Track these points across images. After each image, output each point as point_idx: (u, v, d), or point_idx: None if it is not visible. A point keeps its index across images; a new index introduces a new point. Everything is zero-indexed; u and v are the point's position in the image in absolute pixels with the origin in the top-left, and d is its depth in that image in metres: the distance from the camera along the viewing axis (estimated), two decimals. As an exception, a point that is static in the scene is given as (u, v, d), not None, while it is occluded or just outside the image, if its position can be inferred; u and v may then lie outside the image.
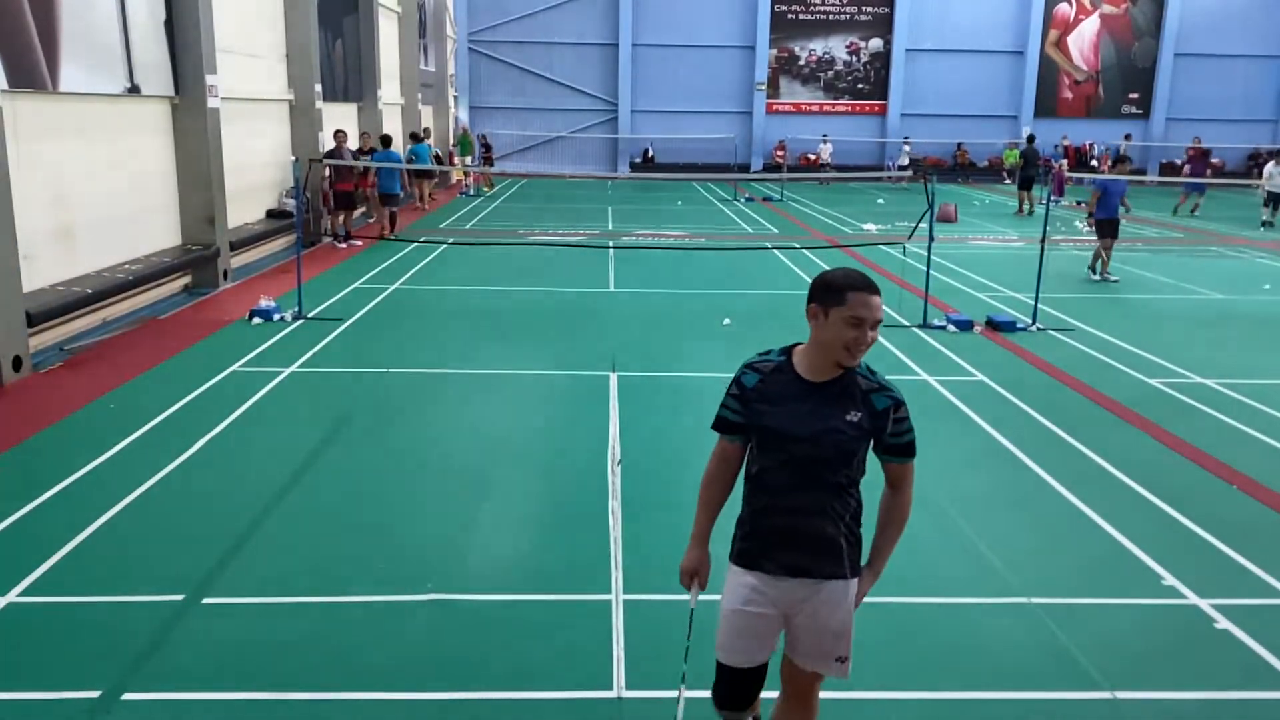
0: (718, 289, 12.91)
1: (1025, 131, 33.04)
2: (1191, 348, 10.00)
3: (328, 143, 17.37)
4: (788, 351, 2.98)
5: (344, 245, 16.35)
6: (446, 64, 33.23)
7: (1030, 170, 23.59)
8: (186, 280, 12.49)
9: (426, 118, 28.61)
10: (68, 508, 5.65)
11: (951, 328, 10.65)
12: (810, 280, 3.14)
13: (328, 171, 16.83)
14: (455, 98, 34.89)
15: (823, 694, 4.02)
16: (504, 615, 4.57)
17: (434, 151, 24.83)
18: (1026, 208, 23.53)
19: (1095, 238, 14.34)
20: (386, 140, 19.39)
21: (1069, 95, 36.65)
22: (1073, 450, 6.91)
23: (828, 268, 15.78)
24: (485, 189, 27.93)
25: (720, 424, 3.01)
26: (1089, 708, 3.97)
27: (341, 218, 16.98)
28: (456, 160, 28.14)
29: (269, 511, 5.70)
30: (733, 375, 3.00)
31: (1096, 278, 14.17)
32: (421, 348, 9.76)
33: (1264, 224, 21.59)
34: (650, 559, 5.15)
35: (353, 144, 18.92)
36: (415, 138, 22.39)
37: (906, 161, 32.73)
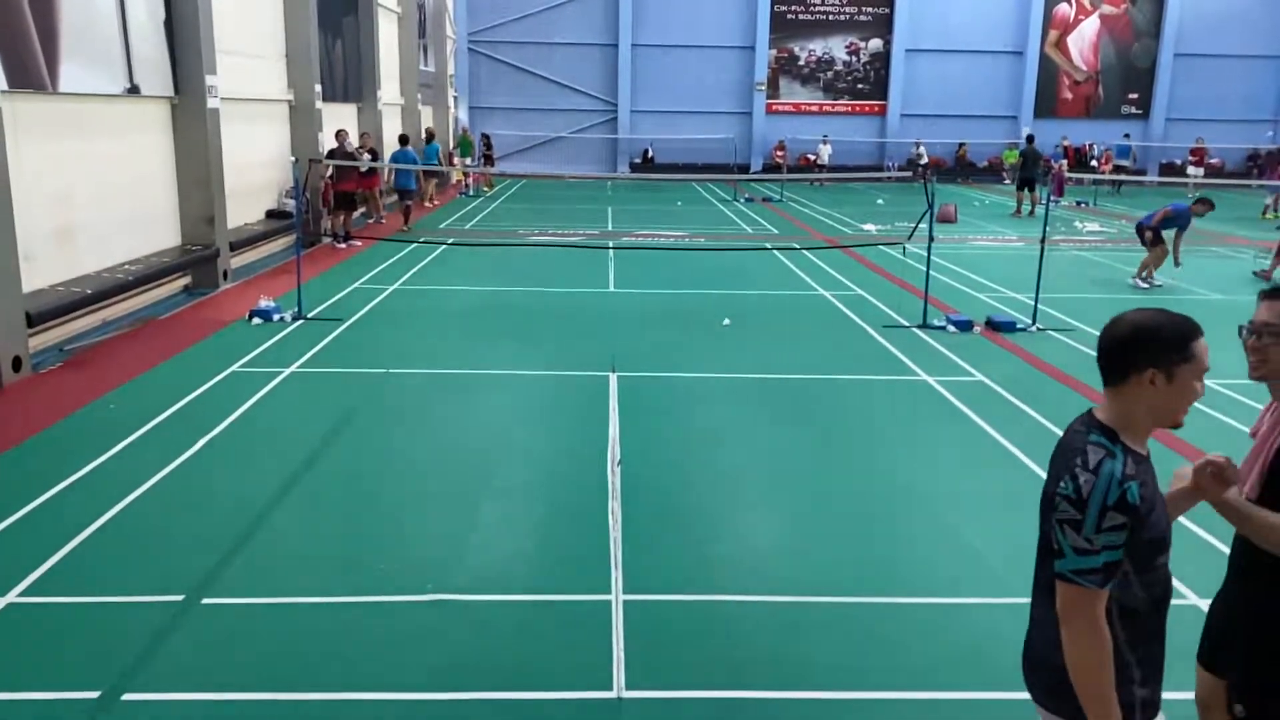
0: (717, 289, 12.92)
1: (1025, 132, 33.07)
2: (1191, 348, 9.99)
3: (328, 143, 17.40)
4: (1106, 430, 2.36)
5: (344, 245, 16.36)
6: (446, 64, 33.23)
7: (1030, 171, 23.53)
8: (186, 281, 12.49)
9: (426, 118, 28.61)
10: (67, 508, 5.65)
11: (951, 328, 10.65)
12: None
13: (329, 171, 16.87)
14: (455, 98, 34.89)
15: (821, 694, 4.03)
16: (504, 615, 4.57)
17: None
18: (1027, 208, 23.49)
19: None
20: (404, 139, 20.59)
21: (1069, 95, 36.65)
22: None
23: (829, 267, 15.76)
24: (485, 189, 27.95)
25: (1110, 573, 2.23)
26: (1089, 708, 3.96)
27: (341, 218, 17.00)
28: (456, 161, 28.14)
29: (269, 512, 5.70)
30: (1085, 493, 2.21)
31: (1144, 285, 13.74)
32: (421, 348, 9.76)
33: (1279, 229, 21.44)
34: (650, 559, 5.15)
35: (351, 144, 19.00)
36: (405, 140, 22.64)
37: (926, 160, 32.57)
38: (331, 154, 16.79)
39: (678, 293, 12.72)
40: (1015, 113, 36.29)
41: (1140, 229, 13.88)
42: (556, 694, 3.97)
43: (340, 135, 17.11)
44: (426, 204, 23.48)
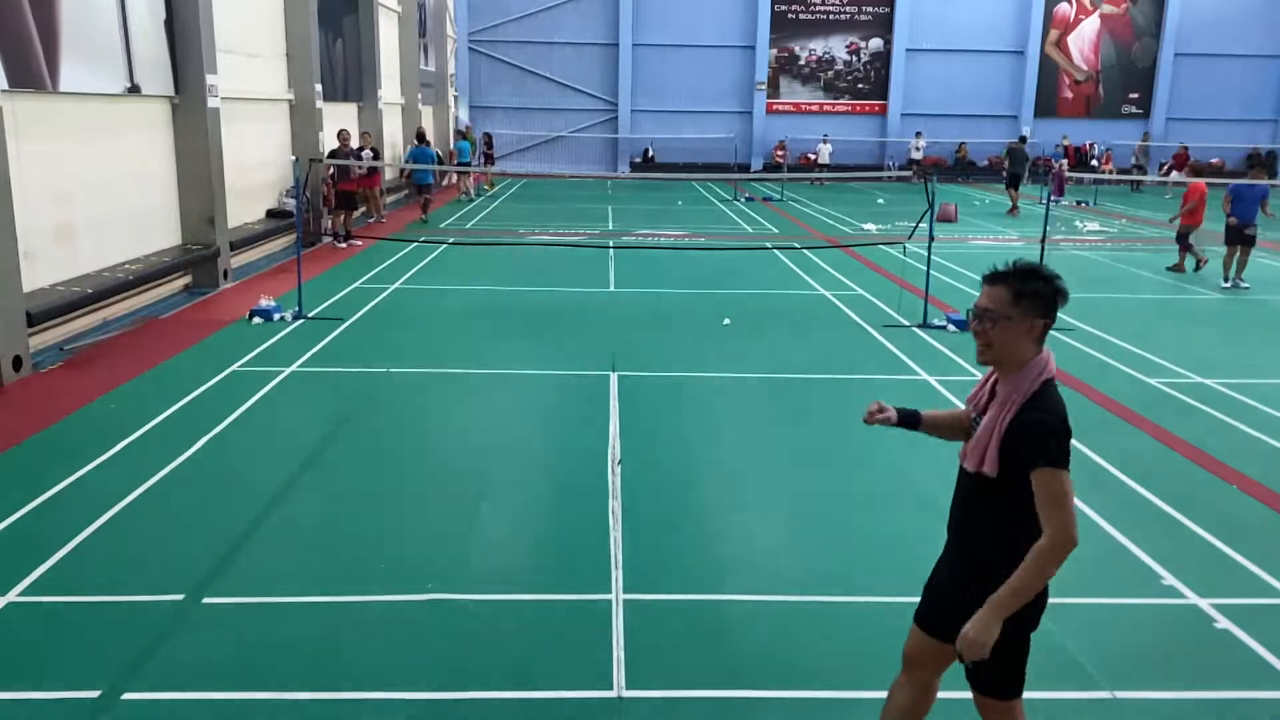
0: (718, 289, 12.91)
1: (1024, 131, 33.13)
2: (1191, 348, 9.99)
3: (329, 142, 17.39)
4: None
5: (344, 245, 16.35)
6: (446, 64, 33.21)
7: (1017, 169, 23.93)
8: (187, 280, 12.49)
9: (427, 118, 28.61)
10: (68, 508, 5.65)
11: (952, 327, 10.64)
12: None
13: (331, 171, 16.84)
14: (455, 97, 34.88)
15: (821, 694, 4.03)
16: (504, 615, 4.57)
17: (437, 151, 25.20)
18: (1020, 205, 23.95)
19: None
20: (421, 135, 21.85)
21: (1069, 95, 36.65)
22: (1072, 450, 6.89)
23: (829, 266, 15.81)
24: (486, 187, 27.93)
25: None
26: (1089, 708, 3.97)
27: (342, 217, 17.01)
28: (457, 160, 28.12)
29: (269, 511, 5.70)
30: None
31: (1228, 285, 13.53)
32: (421, 347, 9.76)
33: None
34: (650, 559, 5.15)
35: (353, 144, 18.99)
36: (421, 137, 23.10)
37: (920, 156, 32.51)
38: (334, 154, 16.78)
39: (678, 292, 12.71)
40: (1016, 112, 36.28)
41: (1240, 230, 13.61)
42: (556, 694, 3.97)
43: (343, 135, 17.11)
44: (471, 195, 24.94)
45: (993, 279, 2.86)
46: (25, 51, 9.25)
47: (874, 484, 6.35)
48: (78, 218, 10.26)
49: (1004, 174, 32.61)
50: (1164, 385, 8.63)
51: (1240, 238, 13.59)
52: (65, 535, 5.25)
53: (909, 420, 3.24)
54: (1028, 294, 2.82)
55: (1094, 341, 10.18)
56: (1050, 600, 4.70)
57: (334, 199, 17.10)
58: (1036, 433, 2.75)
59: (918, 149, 32.90)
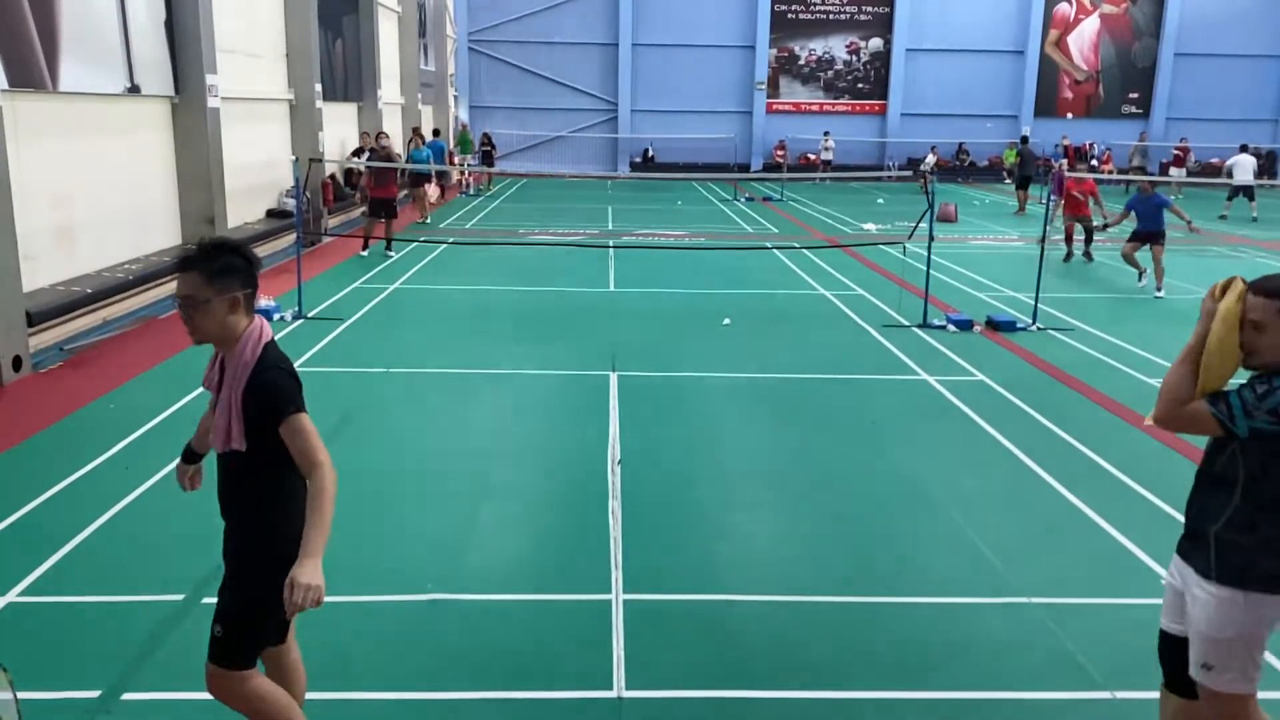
0: (717, 289, 12.91)
1: (1024, 131, 33.12)
2: (1191, 347, 9.97)
3: (329, 143, 17.27)
4: None
5: (393, 255, 15.39)
6: (446, 64, 33.23)
7: (1027, 170, 24.02)
8: (186, 280, 12.47)
9: (427, 117, 28.63)
10: (68, 508, 5.65)
11: (951, 327, 10.64)
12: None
13: (365, 179, 16.15)
14: (455, 97, 34.89)
15: (821, 694, 4.03)
16: (504, 615, 4.57)
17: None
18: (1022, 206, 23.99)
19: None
20: (436, 133, 24.08)
21: (1069, 95, 36.65)
22: (1073, 450, 6.91)
23: (829, 266, 15.79)
24: (482, 187, 27.87)
25: None
26: (1089, 708, 3.97)
27: (383, 226, 15.54)
28: (456, 159, 28.10)
29: (269, 511, 5.69)
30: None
31: (1142, 283, 13.50)
32: (421, 347, 9.76)
33: (1221, 217, 22.31)
34: (650, 559, 5.15)
35: (351, 144, 18.72)
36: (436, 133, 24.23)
37: (830, 157, 32.11)
38: (372, 154, 15.89)
39: (678, 292, 12.71)
40: (1016, 112, 36.29)
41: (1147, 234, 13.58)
42: (556, 694, 3.97)
43: (379, 137, 15.94)
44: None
45: (183, 265, 2.90)
46: (25, 51, 9.25)
47: (874, 484, 6.35)
48: (78, 218, 10.26)
49: (1006, 175, 32.73)
50: (1164, 385, 8.62)
51: (1149, 239, 13.41)
52: (65, 535, 5.25)
53: (190, 457, 3.43)
54: (219, 271, 2.88)
55: (1094, 341, 10.18)
56: (1051, 600, 4.75)
57: (370, 207, 15.60)
58: (267, 394, 2.85)
59: (827, 149, 32.56)
